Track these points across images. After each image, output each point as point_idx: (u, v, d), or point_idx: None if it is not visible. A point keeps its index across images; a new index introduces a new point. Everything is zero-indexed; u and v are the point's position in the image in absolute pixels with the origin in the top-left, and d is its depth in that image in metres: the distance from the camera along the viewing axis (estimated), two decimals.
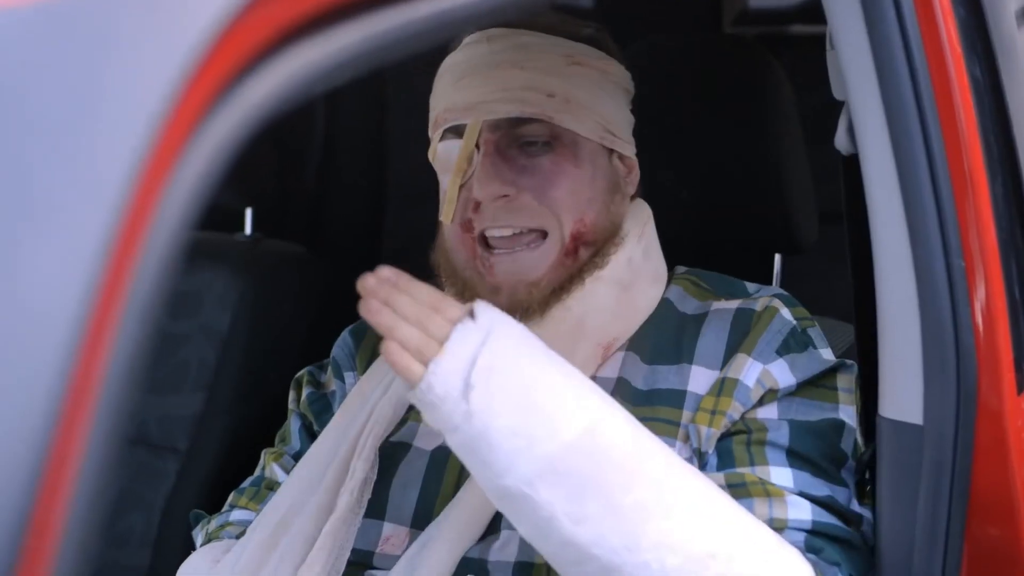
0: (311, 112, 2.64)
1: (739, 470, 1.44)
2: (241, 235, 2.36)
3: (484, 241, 1.52)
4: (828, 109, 1.40)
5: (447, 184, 1.53)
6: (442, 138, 1.54)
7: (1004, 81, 1.37)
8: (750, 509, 1.40)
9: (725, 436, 1.47)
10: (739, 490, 1.43)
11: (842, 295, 1.64)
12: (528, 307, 1.50)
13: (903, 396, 1.31)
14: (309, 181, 2.69)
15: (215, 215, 2.31)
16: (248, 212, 2.37)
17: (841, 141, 1.37)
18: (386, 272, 1.30)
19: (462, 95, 1.52)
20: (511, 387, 1.28)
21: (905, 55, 1.28)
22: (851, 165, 1.36)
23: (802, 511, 1.42)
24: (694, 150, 1.95)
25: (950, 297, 1.29)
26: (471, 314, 1.28)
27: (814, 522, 1.42)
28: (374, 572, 1.52)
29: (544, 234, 1.51)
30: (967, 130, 1.30)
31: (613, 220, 1.55)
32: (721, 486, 1.42)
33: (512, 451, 1.28)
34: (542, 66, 1.52)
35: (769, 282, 1.93)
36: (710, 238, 1.94)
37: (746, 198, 1.92)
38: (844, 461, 1.48)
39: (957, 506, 1.30)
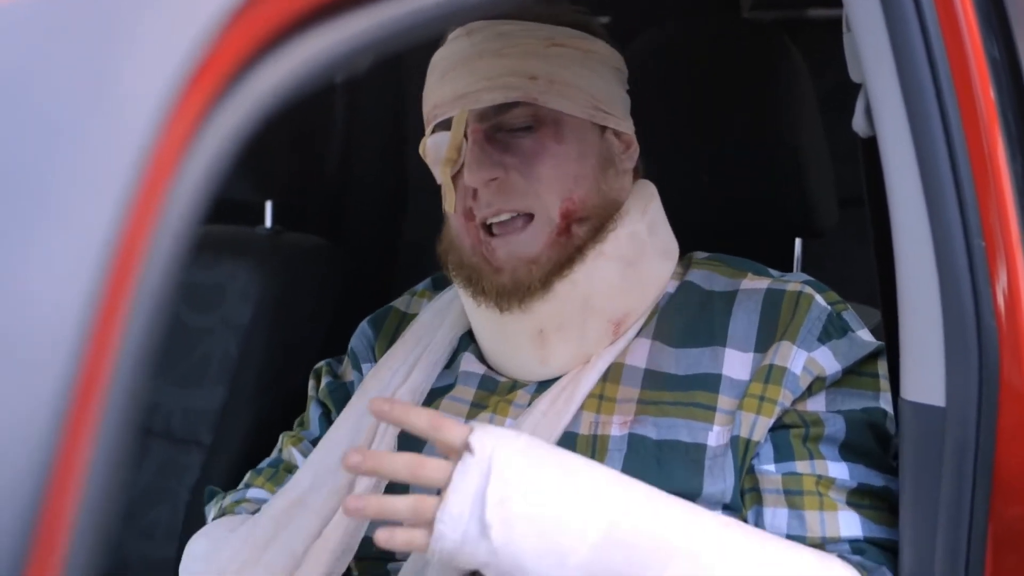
0: (330, 104, 2.64)
1: (799, 470, 1.46)
2: (262, 228, 2.36)
3: (487, 229, 1.54)
4: (847, 91, 1.39)
5: (439, 175, 1.56)
6: (432, 132, 1.57)
7: (1022, 60, 1.36)
8: (801, 521, 1.44)
9: (779, 427, 1.48)
10: (794, 498, 1.46)
11: (863, 278, 1.63)
12: (529, 285, 1.53)
13: (925, 378, 1.31)
14: (329, 173, 2.69)
15: (235, 208, 2.32)
16: (268, 205, 2.38)
17: (859, 123, 1.36)
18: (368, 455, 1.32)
19: (447, 89, 1.55)
20: (528, 512, 1.29)
21: (922, 35, 1.28)
22: (870, 147, 1.36)
23: (853, 527, 1.45)
24: (713, 135, 1.94)
25: (971, 278, 1.28)
26: (469, 447, 1.29)
27: (865, 537, 1.44)
28: (395, 563, 1.53)
29: (531, 216, 1.53)
30: (985, 110, 1.30)
31: (608, 195, 1.56)
32: (776, 490, 1.46)
33: (547, 570, 1.30)
34: (521, 51, 1.54)
35: (790, 266, 1.93)
36: (731, 222, 1.94)
37: (766, 182, 1.92)
38: (890, 448, 1.49)
39: (981, 487, 1.29)
